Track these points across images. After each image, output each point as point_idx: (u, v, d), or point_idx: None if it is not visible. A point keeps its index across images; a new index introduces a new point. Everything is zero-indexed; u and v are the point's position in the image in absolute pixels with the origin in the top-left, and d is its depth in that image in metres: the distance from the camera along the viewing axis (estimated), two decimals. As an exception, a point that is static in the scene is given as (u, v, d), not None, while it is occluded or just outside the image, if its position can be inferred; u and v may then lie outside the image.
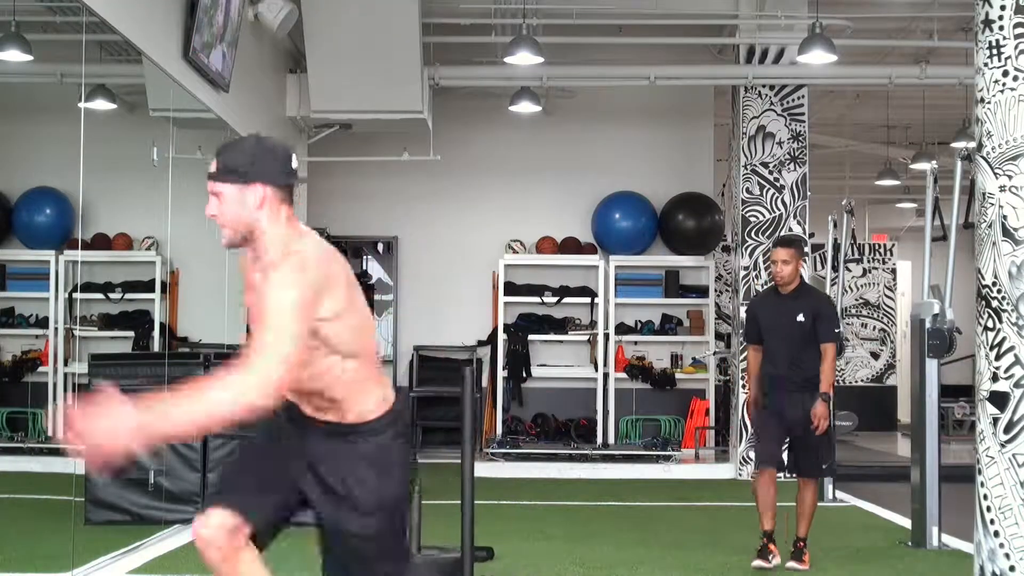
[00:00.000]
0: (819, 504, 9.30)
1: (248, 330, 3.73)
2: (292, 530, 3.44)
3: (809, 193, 11.36)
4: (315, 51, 10.34)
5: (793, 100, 11.23)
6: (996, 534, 4.73)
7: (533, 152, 13.02)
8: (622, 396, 12.47)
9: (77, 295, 9.35)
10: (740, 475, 10.96)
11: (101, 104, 8.02)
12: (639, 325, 12.70)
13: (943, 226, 7.43)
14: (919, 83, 11.82)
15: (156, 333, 9.40)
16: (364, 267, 13.37)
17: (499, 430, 12.11)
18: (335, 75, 10.47)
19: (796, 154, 11.20)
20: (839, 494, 9.53)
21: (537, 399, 12.56)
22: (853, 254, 10.17)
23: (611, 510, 9.02)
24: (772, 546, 6.53)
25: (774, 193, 11.15)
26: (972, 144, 5.22)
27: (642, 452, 11.61)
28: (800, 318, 6.44)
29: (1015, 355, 4.68)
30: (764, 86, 11.19)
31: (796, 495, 6.63)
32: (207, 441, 7.73)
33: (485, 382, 12.65)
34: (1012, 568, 4.68)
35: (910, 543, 7.32)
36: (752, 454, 10.96)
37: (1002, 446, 4.71)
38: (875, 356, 17.26)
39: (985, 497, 4.78)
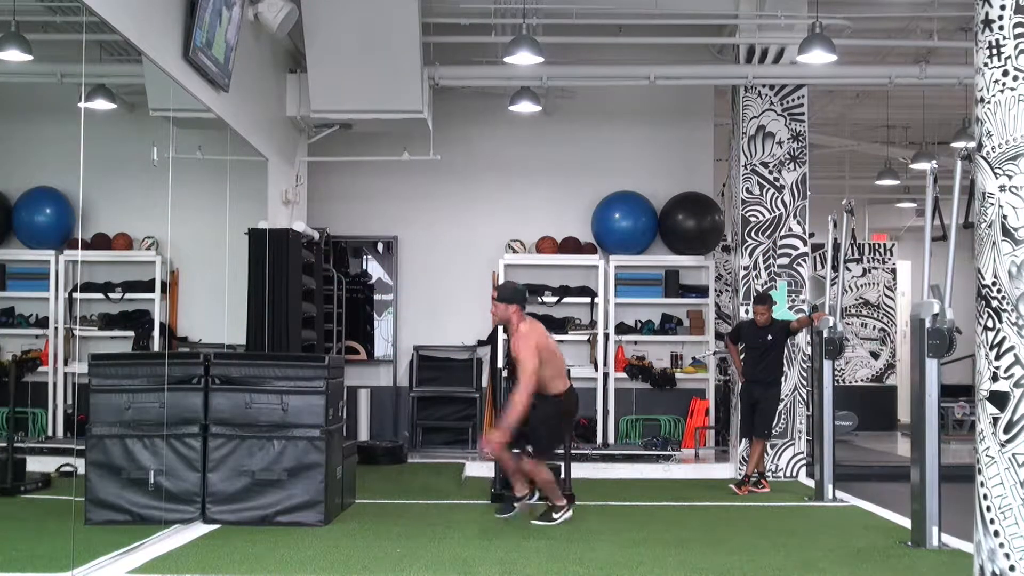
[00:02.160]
0: (819, 504, 9.38)
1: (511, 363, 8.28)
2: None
3: (809, 193, 11.36)
4: (315, 51, 10.34)
5: (793, 100, 11.23)
6: (996, 534, 4.73)
7: (533, 152, 13.02)
8: (622, 396, 12.47)
9: (77, 295, 9.35)
10: (740, 475, 10.95)
11: (101, 104, 8.02)
12: (639, 325, 12.71)
13: (943, 226, 7.42)
14: (919, 83, 11.82)
15: (156, 333, 9.41)
16: (364, 267, 13.38)
17: (499, 430, 12.09)
18: (335, 75, 10.47)
19: (796, 154, 11.20)
20: (839, 494, 9.52)
21: (537, 399, 12.54)
22: (853, 254, 10.19)
23: (611, 510, 9.01)
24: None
25: (774, 193, 11.15)
26: (972, 144, 5.22)
27: (642, 452, 11.61)
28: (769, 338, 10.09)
29: (1015, 355, 4.68)
30: (764, 86, 11.19)
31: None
32: (207, 441, 7.74)
33: (485, 382, 12.65)
34: (1012, 568, 4.68)
35: (910, 543, 7.32)
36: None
37: (1002, 446, 4.71)
38: (875, 356, 17.26)
39: (985, 497, 4.78)
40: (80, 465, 7.50)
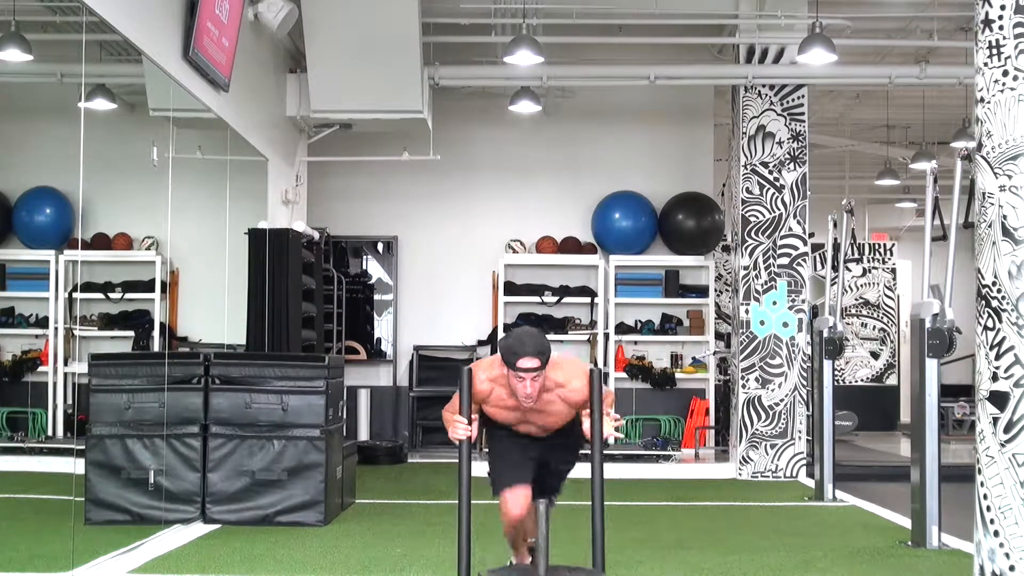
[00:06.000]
0: (819, 504, 9.37)
1: None
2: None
3: (809, 193, 11.35)
4: (315, 51, 10.34)
5: (793, 100, 11.23)
6: (996, 534, 4.73)
7: (533, 152, 13.01)
8: (622, 396, 12.45)
9: (77, 295, 9.35)
10: (740, 475, 10.97)
11: (101, 104, 8.03)
12: (639, 325, 12.70)
13: (943, 226, 7.42)
14: (919, 83, 11.82)
15: (156, 333, 9.41)
16: (364, 267, 13.37)
17: (499, 430, 12.09)
18: (335, 75, 10.47)
19: (796, 154, 11.20)
20: (839, 494, 9.52)
21: (537, 399, 12.53)
22: (853, 254, 10.16)
23: (611, 510, 8.97)
24: None
25: (774, 193, 11.15)
26: (972, 144, 5.22)
27: (642, 452, 11.61)
28: None
29: (1015, 355, 4.68)
30: (764, 86, 11.19)
31: None
32: (207, 441, 7.74)
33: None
34: (1012, 568, 4.68)
35: (910, 543, 7.32)
36: (751, 454, 11.01)
37: (1002, 446, 4.71)
38: (875, 356, 17.25)
39: (985, 497, 4.78)
40: (80, 465, 7.50)
